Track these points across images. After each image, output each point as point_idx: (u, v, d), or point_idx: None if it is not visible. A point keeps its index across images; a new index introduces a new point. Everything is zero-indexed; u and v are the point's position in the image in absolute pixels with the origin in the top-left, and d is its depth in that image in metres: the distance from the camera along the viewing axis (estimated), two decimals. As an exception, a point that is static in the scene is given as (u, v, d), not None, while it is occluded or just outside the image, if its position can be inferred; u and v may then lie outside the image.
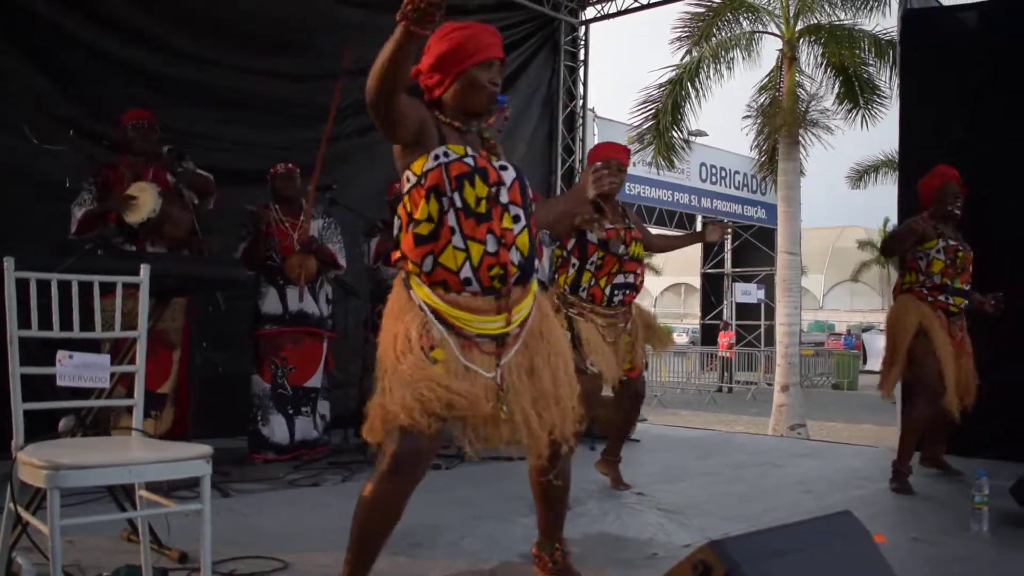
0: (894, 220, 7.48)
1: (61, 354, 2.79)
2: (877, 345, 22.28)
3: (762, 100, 14.24)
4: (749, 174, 20.59)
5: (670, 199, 19.11)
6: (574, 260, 4.82)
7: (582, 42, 9.55)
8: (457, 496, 4.74)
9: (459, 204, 2.72)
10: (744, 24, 13.48)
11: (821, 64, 13.52)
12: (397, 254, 2.83)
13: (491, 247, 2.75)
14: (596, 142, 16.47)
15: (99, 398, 3.16)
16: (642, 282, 5.00)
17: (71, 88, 6.02)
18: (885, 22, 12.70)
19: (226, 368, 5.87)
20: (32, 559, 2.98)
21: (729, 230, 5.52)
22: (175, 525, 3.30)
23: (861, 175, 20.88)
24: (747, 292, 22.04)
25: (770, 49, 12.87)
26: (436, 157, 2.74)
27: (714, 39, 13.24)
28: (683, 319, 40.29)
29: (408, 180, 2.79)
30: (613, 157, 4.76)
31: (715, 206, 20.79)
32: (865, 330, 31.70)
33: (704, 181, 20.26)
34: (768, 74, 14.26)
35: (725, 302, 23.47)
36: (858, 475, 5.77)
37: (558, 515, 3.23)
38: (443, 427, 2.70)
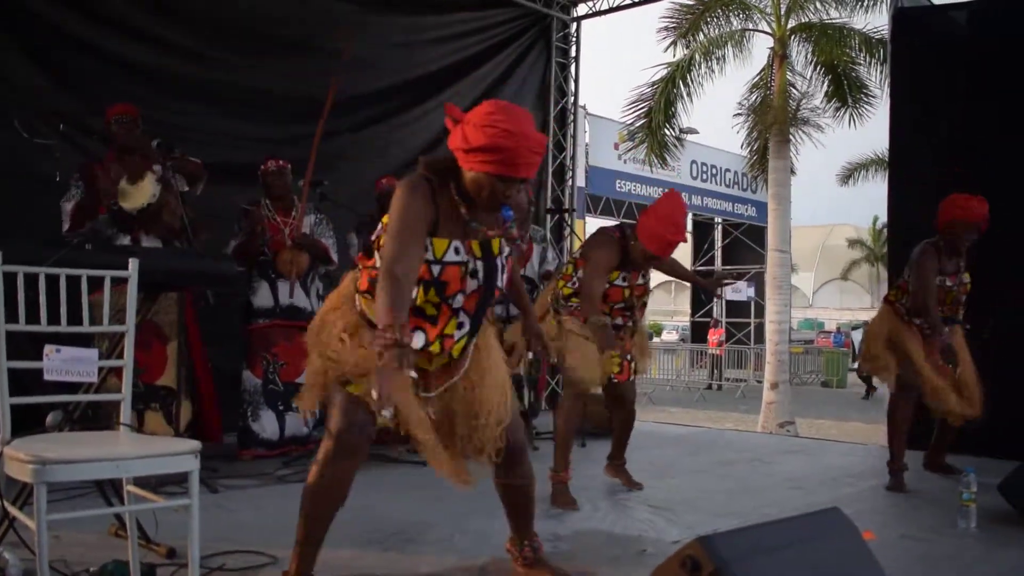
0: (884, 219, 7.50)
1: (49, 348, 2.78)
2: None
3: (753, 98, 14.27)
4: (740, 172, 20.65)
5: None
6: (575, 283, 4.75)
7: (573, 39, 9.54)
8: (446, 493, 4.68)
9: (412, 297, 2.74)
10: (735, 22, 13.49)
11: (811, 62, 13.56)
12: (361, 256, 2.95)
13: (417, 342, 2.81)
14: (587, 139, 16.57)
15: (87, 392, 3.15)
16: (635, 321, 4.90)
17: (62, 82, 5.98)
18: (876, 20, 12.72)
19: (217, 364, 5.84)
20: (19, 554, 2.97)
21: (733, 284, 5.61)
22: (163, 521, 3.29)
23: (850, 173, 20.94)
24: (737, 290, 22.06)
25: (761, 47, 13.02)
26: (457, 251, 2.79)
27: (704, 36, 13.24)
28: (673, 316, 40.41)
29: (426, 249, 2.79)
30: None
31: (706, 204, 20.85)
32: (855, 328, 31.74)
33: (695, 179, 20.31)
34: (759, 72, 14.28)
35: (715, 300, 23.52)
36: (847, 472, 5.78)
37: (523, 513, 3.31)
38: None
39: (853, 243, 38.63)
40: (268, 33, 6.92)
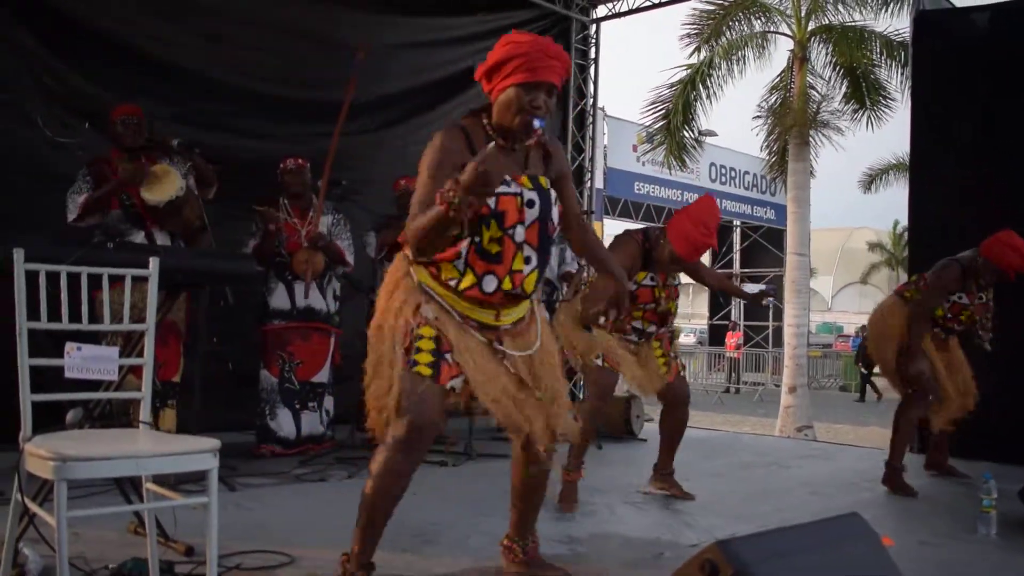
0: (904, 222, 7.46)
1: (69, 346, 2.79)
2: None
3: (773, 100, 14.22)
4: (759, 174, 20.58)
5: (679, 199, 19.10)
6: None
7: (593, 40, 9.53)
8: (462, 493, 4.73)
9: (475, 240, 2.78)
10: (756, 24, 13.45)
11: (831, 64, 13.51)
12: (404, 237, 2.85)
13: (488, 287, 2.82)
14: (606, 141, 16.55)
15: (107, 390, 3.16)
16: (667, 328, 4.87)
17: (87, 81, 5.99)
18: (897, 23, 12.67)
19: (235, 363, 5.87)
20: (39, 551, 2.98)
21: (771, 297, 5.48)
22: (181, 518, 3.30)
23: (872, 178, 20.85)
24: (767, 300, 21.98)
25: (781, 49, 12.96)
26: (507, 183, 2.78)
27: (725, 39, 13.21)
28: (691, 319, 40.23)
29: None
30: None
31: (724, 206, 20.76)
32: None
33: (714, 181, 20.24)
34: (779, 74, 14.24)
35: (733, 302, 23.44)
36: (865, 477, 5.75)
37: (534, 508, 3.25)
38: (450, 398, 2.80)
39: (873, 246, 38.41)
40: (290, 32, 6.94)
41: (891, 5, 12.36)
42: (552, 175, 2.99)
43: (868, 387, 21.00)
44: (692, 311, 41.15)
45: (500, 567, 3.41)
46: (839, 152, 17.48)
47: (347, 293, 6.21)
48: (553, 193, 2.95)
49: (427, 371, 2.76)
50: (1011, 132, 6.52)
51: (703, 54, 13.16)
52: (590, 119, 9.65)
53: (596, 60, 9.57)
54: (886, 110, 13.15)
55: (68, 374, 2.80)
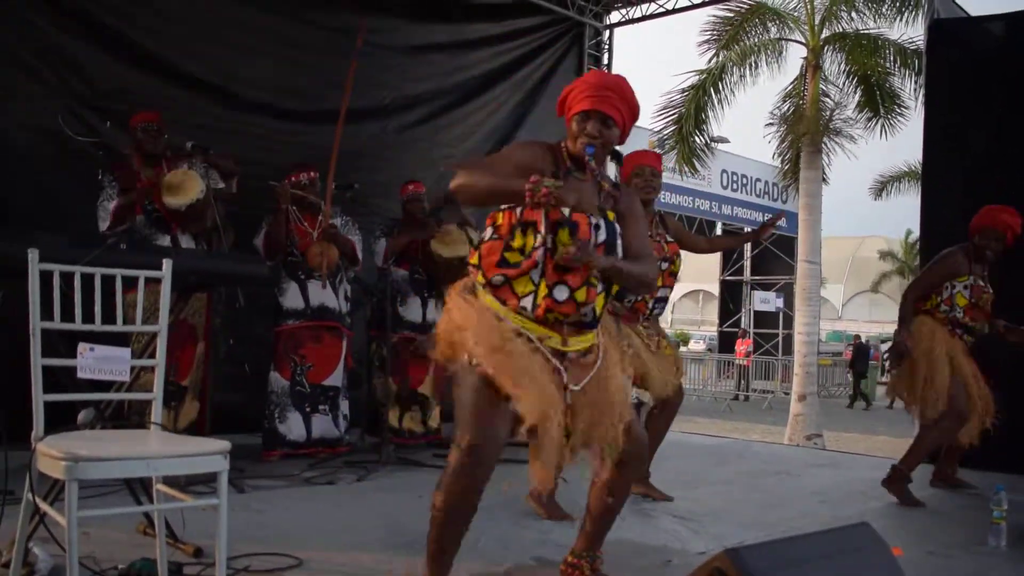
0: (916, 231, 7.43)
1: (82, 346, 2.81)
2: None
3: (786, 108, 14.21)
4: (770, 182, 20.56)
5: (691, 205, 19.10)
6: None
7: (606, 46, 9.53)
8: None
9: (551, 246, 2.82)
10: (772, 30, 13.46)
11: (844, 72, 13.50)
12: (474, 258, 2.94)
13: (559, 295, 2.84)
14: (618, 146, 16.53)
15: (119, 391, 3.18)
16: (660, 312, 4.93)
17: (107, 80, 5.99)
18: (911, 31, 12.65)
19: (250, 366, 5.88)
20: (49, 550, 3.00)
21: (781, 221, 5.42)
22: (191, 520, 3.31)
23: (883, 185, 20.80)
24: (766, 300, 21.99)
25: (795, 57, 12.93)
26: None
27: (739, 46, 13.22)
28: (700, 326, 40.20)
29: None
30: (646, 164, 4.75)
31: (736, 213, 20.75)
32: (884, 341, 31.52)
33: (725, 188, 20.23)
34: (792, 82, 14.23)
35: (743, 310, 23.42)
36: (875, 487, 5.71)
37: (605, 525, 3.22)
38: (512, 417, 2.77)
39: (884, 255, 38.30)
40: (304, 37, 6.98)
41: (905, 13, 12.34)
42: (618, 211, 3.06)
43: (868, 394, 21.09)
44: (702, 318, 41.14)
45: (509, 571, 3.41)
46: (851, 160, 17.46)
47: (356, 297, 6.22)
48: (618, 228, 3.00)
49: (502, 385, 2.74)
50: (1025, 141, 6.49)
51: (720, 58, 13.19)
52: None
53: (609, 66, 9.57)
54: (900, 118, 13.14)
55: (81, 374, 2.82)
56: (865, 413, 20.40)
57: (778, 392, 20.94)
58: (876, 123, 13.28)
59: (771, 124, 14.40)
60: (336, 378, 5.89)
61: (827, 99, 13.94)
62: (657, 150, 13.21)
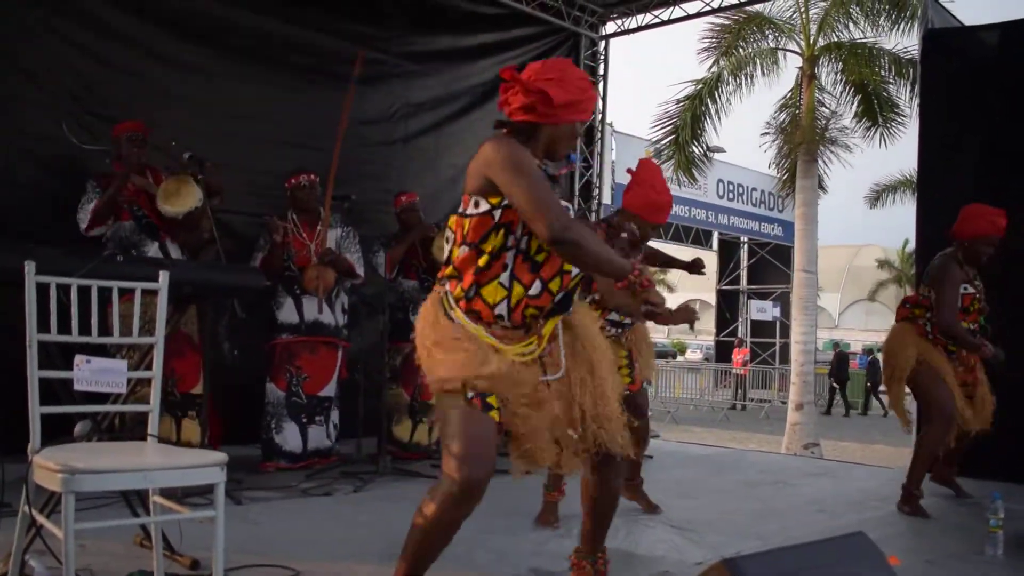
0: (913, 240, 7.43)
1: (79, 359, 2.81)
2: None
3: (782, 117, 14.25)
4: (767, 191, 20.58)
5: (687, 215, 19.10)
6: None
7: (602, 57, 9.57)
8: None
9: (523, 247, 2.80)
10: (768, 39, 13.52)
11: (841, 81, 13.54)
12: (447, 270, 2.90)
13: (533, 291, 2.82)
14: (614, 156, 16.58)
15: (115, 403, 3.18)
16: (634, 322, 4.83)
17: (110, 89, 5.99)
18: (906, 41, 12.70)
19: (248, 376, 5.87)
20: (45, 562, 3.00)
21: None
22: (187, 532, 3.31)
23: (879, 194, 20.86)
24: (762, 309, 21.99)
25: (791, 66, 12.94)
26: None
27: (736, 55, 13.27)
28: (697, 335, 40.19)
29: (477, 205, 2.80)
30: (657, 223, 4.67)
31: (732, 223, 20.77)
32: (880, 350, 31.50)
33: (721, 197, 20.23)
34: (789, 91, 14.27)
35: (740, 319, 23.42)
36: (872, 496, 5.73)
37: (605, 523, 3.20)
38: (500, 442, 2.77)
39: (882, 264, 38.39)
40: (301, 50, 7.00)
41: (901, 24, 12.38)
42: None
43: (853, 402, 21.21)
44: (698, 327, 41.12)
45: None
46: (847, 169, 17.47)
47: (358, 311, 6.23)
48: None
49: (492, 411, 2.72)
50: (1020, 151, 6.50)
51: (720, 65, 13.25)
52: (598, 135, 9.68)
53: (605, 76, 9.61)
54: (899, 127, 13.17)
55: (77, 386, 2.82)
56: (862, 421, 20.39)
57: (775, 401, 20.93)
58: (875, 132, 13.31)
59: (767, 133, 14.46)
60: (331, 389, 5.90)
61: (823, 108, 14.00)
62: (654, 160, 13.25)
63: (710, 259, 24.06)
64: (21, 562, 2.83)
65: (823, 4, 13.55)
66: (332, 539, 4.04)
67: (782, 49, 13.73)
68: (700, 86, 13.27)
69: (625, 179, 17.74)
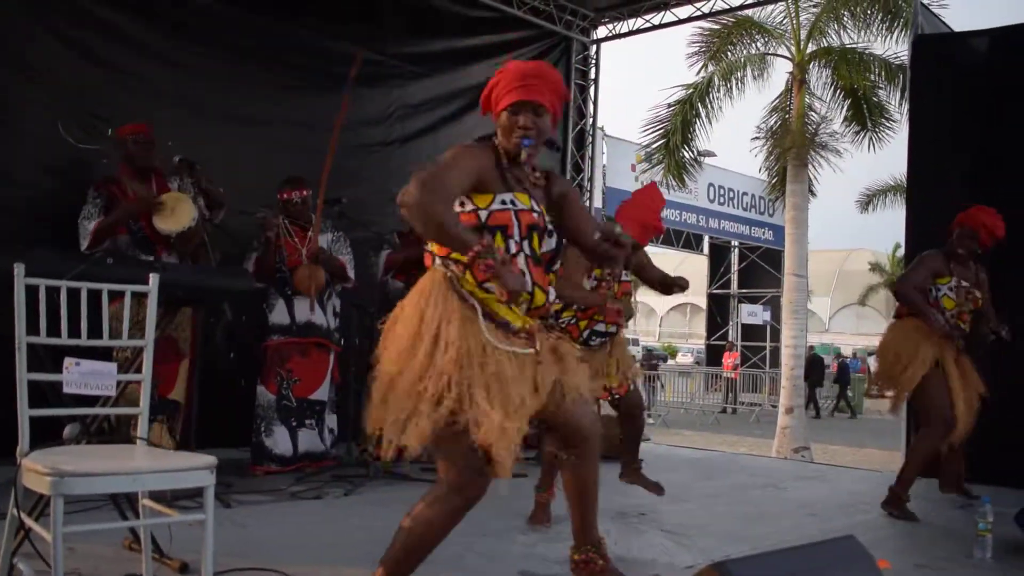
0: (903, 245, 7.45)
1: (68, 361, 2.80)
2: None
3: (772, 122, 14.28)
4: (757, 195, 20.63)
5: (678, 219, 19.13)
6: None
7: (593, 61, 9.58)
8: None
9: (527, 252, 2.83)
10: (758, 44, 13.56)
11: (831, 86, 13.59)
12: (445, 250, 2.81)
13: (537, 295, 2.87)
14: (605, 161, 16.61)
15: (104, 406, 3.16)
16: (623, 327, 4.83)
17: (107, 89, 5.97)
18: (896, 47, 12.74)
19: (240, 381, 5.85)
20: (34, 565, 2.98)
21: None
22: (177, 535, 3.30)
23: (870, 199, 20.92)
24: (753, 313, 22.04)
25: (780, 71, 12.98)
26: (503, 202, 2.82)
27: (725, 59, 13.31)
28: (688, 339, 40.28)
29: (462, 204, 2.81)
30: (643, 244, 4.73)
31: (722, 227, 20.81)
32: (871, 354, 31.59)
33: (712, 201, 20.27)
34: (778, 96, 14.31)
35: (731, 323, 23.46)
36: (862, 499, 5.74)
37: (591, 510, 3.17)
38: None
39: (873, 268, 38.47)
40: (294, 52, 7.00)
41: (895, 31, 12.42)
42: (557, 195, 3.07)
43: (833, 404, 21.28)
44: (690, 331, 41.21)
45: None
46: (838, 174, 17.56)
47: (346, 309, 6.21)
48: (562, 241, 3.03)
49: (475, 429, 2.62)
50: (1009, 156, 6.54)
51: (710, 70, 13.28)
52: (589, 139, 9.69)
53: (596, 81, 9.63)
54: (889, 132, 13.22)
55: (66, 389, 2.82)
56: (853, 425, 20.43)
57: (765, 405, 20.96)
58: (864, 136, 13.36)
59: (758, 138, 14.49)
60: (323, 392, 5.88)
61: (813, 113, 14.03)
62: (644, 164, 13.27)
63: (700, 263, 24.13)
64: (9, 566, 2.82)
65: (814, 10, 13.60)
66: (321, 543, 4.03)
67: (772, 54, 13.78)
68: (691, 90, 13.30)
69: (616, 183, 17.84)
